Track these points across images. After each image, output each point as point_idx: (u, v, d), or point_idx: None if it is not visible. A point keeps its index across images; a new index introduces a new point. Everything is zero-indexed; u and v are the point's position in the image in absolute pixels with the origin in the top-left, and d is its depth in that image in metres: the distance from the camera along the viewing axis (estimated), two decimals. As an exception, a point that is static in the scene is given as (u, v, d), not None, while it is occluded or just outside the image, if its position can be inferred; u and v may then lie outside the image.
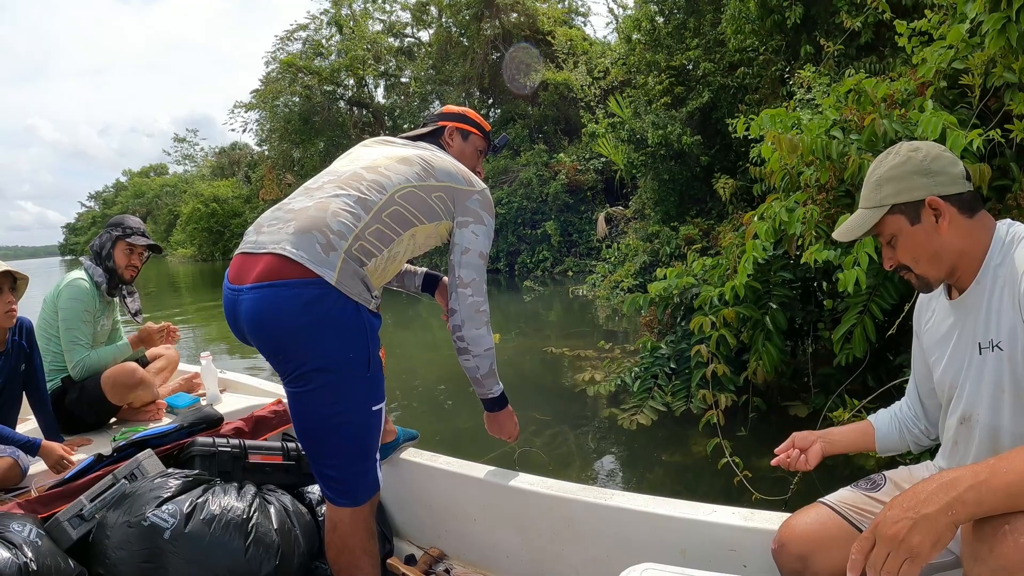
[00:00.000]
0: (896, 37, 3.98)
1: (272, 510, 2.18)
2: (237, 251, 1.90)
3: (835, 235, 1.63)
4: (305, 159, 27.33)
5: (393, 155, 2.08)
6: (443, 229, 2.10)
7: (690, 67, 12.01)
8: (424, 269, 2.52)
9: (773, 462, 1.87)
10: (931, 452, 1.99)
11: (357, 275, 1.83)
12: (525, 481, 2.35)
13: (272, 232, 1.84)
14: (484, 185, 2.18)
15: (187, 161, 62.78)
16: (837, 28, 7.27)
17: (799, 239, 3.88)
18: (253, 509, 2.12)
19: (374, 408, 1.91)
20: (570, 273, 16.45)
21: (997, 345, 1.48)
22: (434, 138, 2.31)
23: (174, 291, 23.81)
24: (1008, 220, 1.56)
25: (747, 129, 4.37)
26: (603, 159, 17.01)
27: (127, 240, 3.37)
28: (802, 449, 1.85)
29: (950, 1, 3.70)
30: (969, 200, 1.52)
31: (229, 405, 3.03)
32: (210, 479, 2.21)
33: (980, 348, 1.53)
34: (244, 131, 45.84)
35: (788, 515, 1.81)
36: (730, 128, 4.92)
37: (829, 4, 7.72)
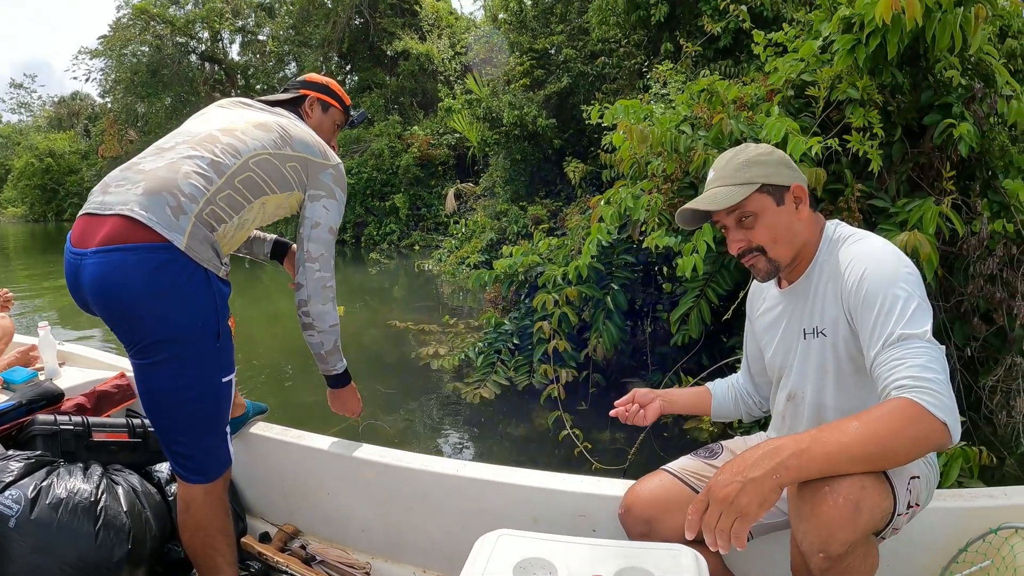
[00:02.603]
0: (753, 45, 4.19)
1: (120, 491, 2.06)
2: (81, 212, 1.78)
3: (702, 205, 1.64)
4: (150, 114, 25.59)
5: (251, 119, 2.00)
6: (294, 200, 2.05)
7: (552, 51, 12.20)
8: (273, 236, 2.44)
9: (612, 413, 1.95)
10: (762, 425, 2.14)
11: (207, 240, 1.76)
12: (379, 454, 2.35)
13: (120, 192, 1.73)
14: (339, 160, 2.15)
15: (23, 110, 57.12)
16: (698, 30, 7.59)
17: (643, 225, 4.04)
18: (101, 491, 1.99)
19: (224, 380, 1.86)
20: (417, 247, 16.39)
21: (821, 332, 1.62)
22: (293, 106, 2.24)
23: (2, 255, 21.70)
24: (836, 220, 1.71)
25: (601, 117, 4.50)
26: (457, 135, 17.00)
27: None
28: (642, 405, 1.94)
29: (807, 18, 3.95)
30: (812, 201, 1.66)
31: (69, 380, 2.81)
32: (53, 460, 2.08)
33: (805, 334, 1.67)
34: (87, 80, 42.44)
35: (633, 482, 1.90)
36: (585, 114, 5.03)
37: (693, 6, 8.07)
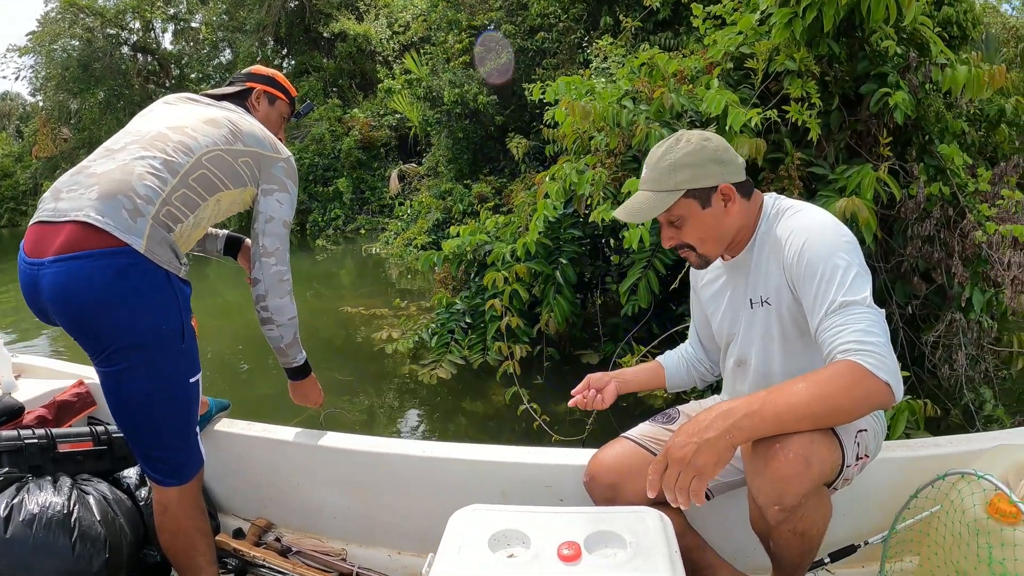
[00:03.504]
0: (692, 18, 4.26)
1: (92, 501, 2.02)
2: (33, 220, 1.74)
3: (623, 217, 1.71)
4: (83, 111, 24.52)
5: (200, 115, 1.97)
6: (247, 196, 2.03)
7: (491, 27, 12.11)
8: (226, 232, 2.41)
9: (571, 403, 1.99)
10: (715, 389, 2.21)
11: (165, 241, 1.73)
12: (345, 440, 2.36)
13: (73, 198, 1.69)
14: (289, 153, 2.13)
15: (-50, 114, 54.69)
16: (637, 3, 7.62)
17: (588, 199, 4.09)
18: (73, 503, 1.95)
19: (191, 380, 1.85)
20: (363, 231, 16.20)
21: (766, 301, 1.69)
22: (239, 99, 2.20)
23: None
24: (774, 194, 1.77)
25: (543, 93, 4.53)
26: (398, 115, 16.82)
27: None
28: (598, 389, 1.98)
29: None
30: (747, 186, 1.70)
31: (27, 392, 2.72)
32: (21, 476, 2.03)
33: (751, 303, 1.73)
34: (17, 79, 40.39)
35: (595, 451, 1.95)
36: (527, 92, 5.06)
37: (632, -22, 8.07)
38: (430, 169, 14.75)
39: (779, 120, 3.43)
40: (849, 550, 1.86)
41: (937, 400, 3.16)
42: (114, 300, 1.65)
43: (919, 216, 3.43)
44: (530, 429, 3.81)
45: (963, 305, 3.37)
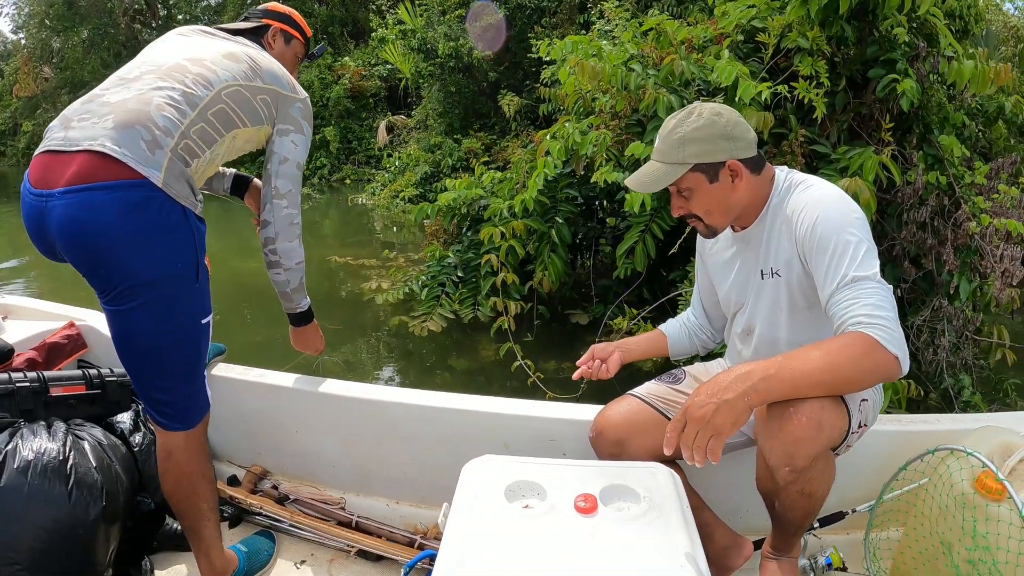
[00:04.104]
0: (700, -13, 4.25)
1: (87, 446, 1.96)
2: (40, 150, 1.65)
3: (633, 187, 1.74)
4: (66, 50, 23.81)
5: (218, 49, 1.91)
6: (262, 135, 1.98)
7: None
8: (233, 171, 2.35)
9: (575, 375, 2.02)
10: (715, 355, 2.26)
11: (183, 176, 1.67)
12: (345, 388, 2.35)
13: (86, 127, 1.60)
14: (306, 94, 2.08)
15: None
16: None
17: (587, 160, 4.11)
18: (68, 448, 1.89)
19: (203, 321, 1.81)
20: (348, 181, 16.05)
21: (776, 272, 1.73)
22: (255, 36, 2.15)
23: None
24: (785, 168, 1.80)
25: (549, 50, 4.51)
26: (389, 66, 16.59)
27: None
28: (602, 359, 2.02)
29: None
30: (758, 161, 1.73)
31: (15, 334, 2.65)
32: (13, 421, 1.98)
33: (762, 274, 1.77)
34: None
35: (601, 407, 1.99)
36: (533, 47, 5.02)
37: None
38: (419, 122, 14.61)
39: (788, 95, 3.45)
40: (837, 516, 1.93)
41: (918, 382, 3.25)
42: (129, 235, 1.58)
43: (915, 203, 3.50)
44: (520, 385, 3.85)
45: (951, 292, 3.46)
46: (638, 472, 1.56)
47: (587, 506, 1.40)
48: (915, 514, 1.87)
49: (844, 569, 1.99)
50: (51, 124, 1.69)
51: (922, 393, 3.29)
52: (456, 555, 1.30)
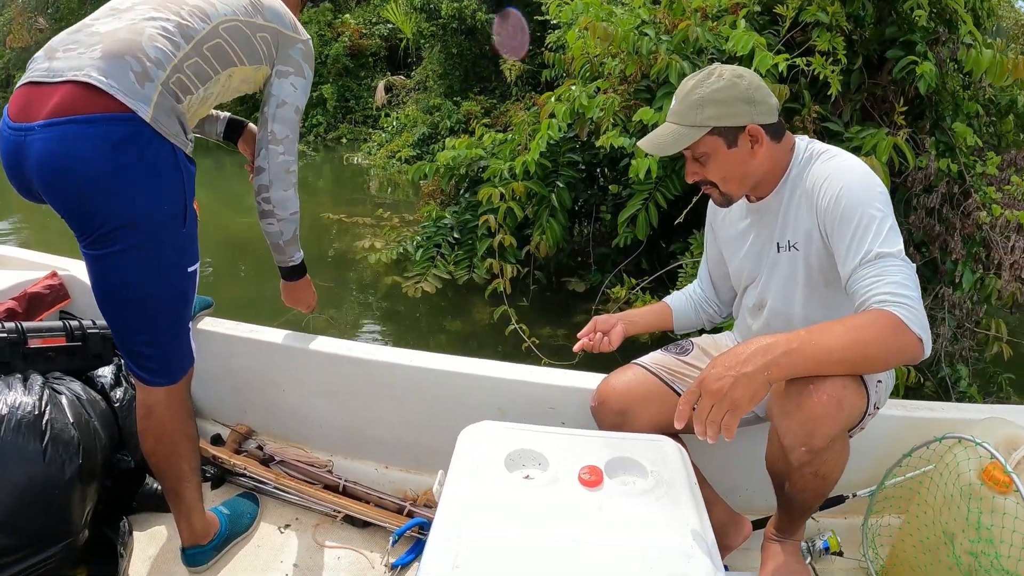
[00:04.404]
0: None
1: (65, 401, 1.87)
2: (21, 81, 1.53)
3: (647, 149, 1.66)
4: (61, 1, 23.51)
5: None
6: (260, 75, 1.87)
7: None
8: (227, 114, 2.23)
9: (576, 347, 1.95)
10: (718, 329, 2.21)
11: (174, 112, 1.57)
12: (336, 346, 2.28)
13: (71, 57, 1.50)
14: (308, 36, 1.97)
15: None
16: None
17: (591, 125, 4.02)
18: (44, 403, 1.79)
19: (190, 269, 1.71)
20: (344, 140, 15.88)
21: (793, 245, 1.66)
22: None
23: None
24: (806, 137, 1.72)
25: (559, 11, 4.41)
26: (389, 25, 16.36)
27: None
28: (604, 332, 1.94)
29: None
30: (779, 128, 1.65)
31: None
32: None
33: (778, 247, 1.70)
34: None
35: (604, 375, 1.92)
36: (542, 7, 4.92)
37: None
38: (419, 83, 14.43)
39: (805, 68, 3.37)
40: (837, 500, 1.90)
41: (916, 369, 3.21)
42: (113, 173, 1.48)
43: (924, 188, 3.45)
44: (514, 350, 3.79)
45: (955, 281, 3.42)
46: (644, 445, 1.50)
47: (592, 479, 1.34)
48: (918, 502, 1.84)
49: (840, 554, 1.96)
50: (35, 55, 1.58)
51: (921, 380, 3.26)
52: (454, 524, 1.24)
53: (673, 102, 1.65)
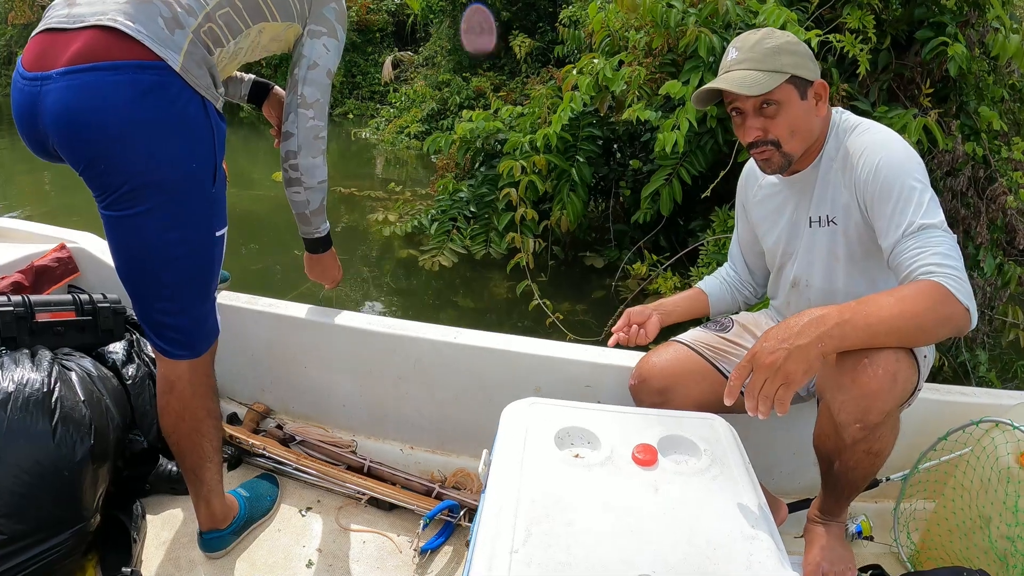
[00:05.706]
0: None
1: (75, 378, 1.75)
2: (38, 29, 1.40)
3: (727, 86, 1.58)
4: None
5: None
6: (291, 34, 1.75)
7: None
8: (252, 76, 2.10)
9: (610, 342, 1.92)
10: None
11: (205, 63, 1.44)
12: (363, 321, 2.20)
13: (94, 1, 1.36)
14: None
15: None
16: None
17: (612, 100, 3.97)
18: (54, 380, 1.69)
19: (218, 233, 1.60)
20: (351, 116, 15.79)
21: (832, 220, 1.64)
22: None
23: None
24: (839, 108, 1.70)
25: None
26: (398, 1, 16.24)
27: None
28: (639, 324, 1.90)
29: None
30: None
31: (1, 256, 2.47)
32: None
33: (810, 222, 1.69)
34: None
35: (643, 353, 1.90)
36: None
37: None
38: (427, 59, 14.32)
39: (836, 45, 3.33)
40: (873, 483, 1.87)
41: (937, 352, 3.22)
42: (138, 125, 1.36)
43: (949, 171, 3.43)
44: (535, 326, 3.77)
45: (979, 266, 3.41)
46: (695, 422, 1.47)
47: (646, 458, 1.31)
48: (953, 485, 1.84)
49: (871, 539, 1.97)
50: (54, 2, 1.44)
51: (943, 364, 3.25)
52: (508, 506, 1.19)
53: (732, 53, 1.61)
